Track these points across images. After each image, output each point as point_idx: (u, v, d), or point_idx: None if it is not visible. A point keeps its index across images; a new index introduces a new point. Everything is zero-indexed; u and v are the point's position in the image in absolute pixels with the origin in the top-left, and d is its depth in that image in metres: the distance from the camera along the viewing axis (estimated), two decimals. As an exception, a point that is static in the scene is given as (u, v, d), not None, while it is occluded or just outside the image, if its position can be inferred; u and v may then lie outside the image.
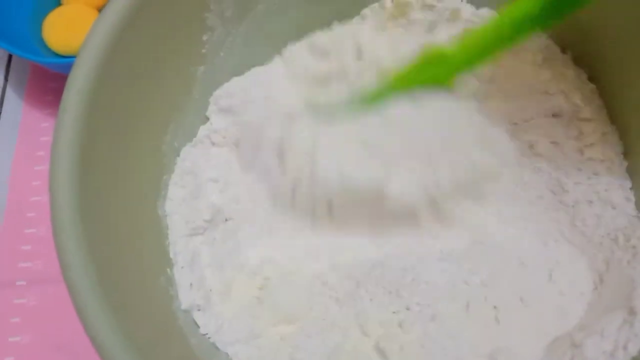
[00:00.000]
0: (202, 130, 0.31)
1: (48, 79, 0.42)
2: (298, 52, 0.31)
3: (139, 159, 0.28)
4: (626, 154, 0.29)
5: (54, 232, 0.23)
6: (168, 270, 0.28)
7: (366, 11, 0.33)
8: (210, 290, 0.28)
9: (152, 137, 0.29)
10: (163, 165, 0.30)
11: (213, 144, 0.31)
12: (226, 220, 0.29)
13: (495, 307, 0.27)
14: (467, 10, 0.32)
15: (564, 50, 0.31)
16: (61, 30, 0.39)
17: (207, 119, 0.32)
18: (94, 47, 0.25)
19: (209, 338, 0.27)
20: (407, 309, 0.27)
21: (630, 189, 0.28)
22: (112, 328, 0.21)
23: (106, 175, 0.26)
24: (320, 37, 0.31)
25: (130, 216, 0.27)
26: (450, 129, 0.28)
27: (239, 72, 0.32)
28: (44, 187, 0.38)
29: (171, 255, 0.28)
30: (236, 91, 0.32)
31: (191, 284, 0.27)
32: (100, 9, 0.39)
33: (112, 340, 0.21)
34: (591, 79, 0.30)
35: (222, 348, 0.27)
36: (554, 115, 0.30)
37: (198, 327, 0.27)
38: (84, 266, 0.22)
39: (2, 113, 0.41)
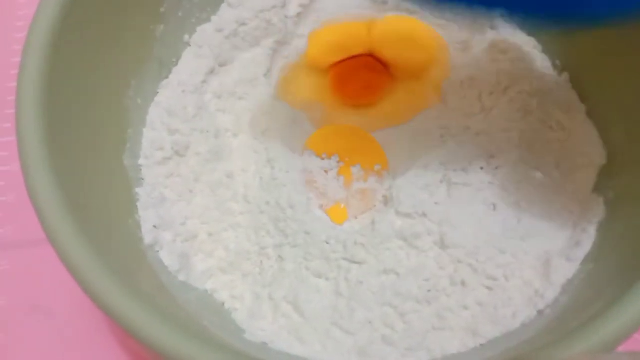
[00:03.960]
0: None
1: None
2: None
3: (103, 111, 0.29)
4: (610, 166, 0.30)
5: (25, 175, 0.24)
6: (136, 215, 0.29)
7: None
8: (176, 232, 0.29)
9: (114, 91, 0.30)
10: (127, 119, 0.31)
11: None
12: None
13: None
14: None
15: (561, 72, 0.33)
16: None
17: (168, 76, 0.33)
18: (53, 4, 0.26)
19: (177, 276, 0.28)
20: None
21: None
22: (88, 253, 0.22)
23: (71, 126, 0.27)
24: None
25: (98, 165, 0.28)
26: None
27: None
28: (11, 157, 0.39)
29: (137, 201, 0.29)
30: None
31: (154, 226, 0.29)
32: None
33: (89, 264, 0.21)
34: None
35: (194, 284, 0.28)
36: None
37: (166, 266, 0.28)
38: (56, 200, 0.23)
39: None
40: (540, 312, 0.27)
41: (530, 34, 0.34)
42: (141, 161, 0.31)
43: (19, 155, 0.24)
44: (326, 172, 0.32)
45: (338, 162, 0.32)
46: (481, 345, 0.26)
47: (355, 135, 0.34)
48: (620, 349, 0.29)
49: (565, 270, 0.27)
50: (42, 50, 0.25)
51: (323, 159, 0.32)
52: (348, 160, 0.32)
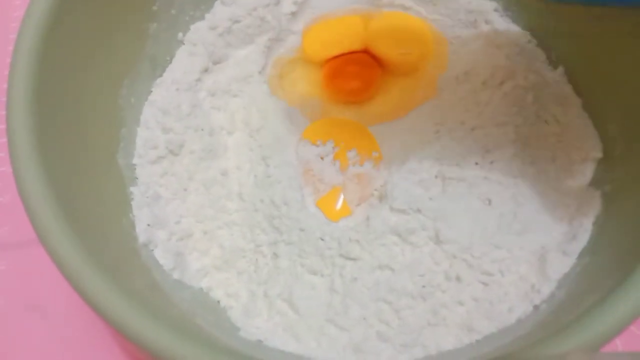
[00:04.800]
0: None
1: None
2: None
3: (96, 110, 0.29)
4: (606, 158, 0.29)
5: (15, 175, 0.24)
6: (130, 214, 0.29)
7: None
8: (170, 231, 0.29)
9: (107, 90, 0.30)
10: (121, 118, 0.31)
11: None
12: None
13: None
14: None
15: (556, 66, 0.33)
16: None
17: (162, 75, 0.33)
18: (42, 3, 0.26)
19: (172, 275, 0.28)
20: None
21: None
22: (78, 252, 0.21)
23: (64, 125, 0.26)
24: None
25: (92, 164, 0.28)
26: None
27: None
28: (6, 158, 0.39)
29: (131, 200, 0.29)
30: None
31: (148, 224, 0.29)
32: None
33: (80, 263, 0.21)
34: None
35: (188, 282, 0.28)
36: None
37: (160, 265, 0.28)
38: (47, 200, 0.22)
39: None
40: (536, 307, 0.26)
41: (525, 28, 0.34)
42: (135, 160, 0.31)
43: (9, 155, 0.24)
44: (322, 158, 0.32)
45: (333, 147, 0.32)
46: (477, 341, 0.26)
47: (350, 126, 0.33)
48: (622, 347, 0.29)
49: (562, 264, 0.27)
50: (32, 50, 0.25)
51: (318, 146, 0.32)
52: (344, 145, 0.32)
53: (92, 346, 0.33)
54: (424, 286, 0.27)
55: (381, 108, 0.35)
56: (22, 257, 0.35)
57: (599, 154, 0.29)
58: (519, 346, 0.23)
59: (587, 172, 0.30)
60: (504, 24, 0.35)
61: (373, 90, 0.35)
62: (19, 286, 0.35)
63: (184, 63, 0.34)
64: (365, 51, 0.36)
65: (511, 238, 0.28)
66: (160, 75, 0.33)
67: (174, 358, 0.20)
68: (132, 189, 0.30)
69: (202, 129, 0.32)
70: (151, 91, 0.33)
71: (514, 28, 0.34)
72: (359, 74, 0.35)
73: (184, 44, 0.34)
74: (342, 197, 0.31)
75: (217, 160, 0.32)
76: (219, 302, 0.29)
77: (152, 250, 0.28)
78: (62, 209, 0.22)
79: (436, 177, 0.30)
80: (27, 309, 0.34)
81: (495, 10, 0.35)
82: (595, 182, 0.29)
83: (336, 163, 0.32)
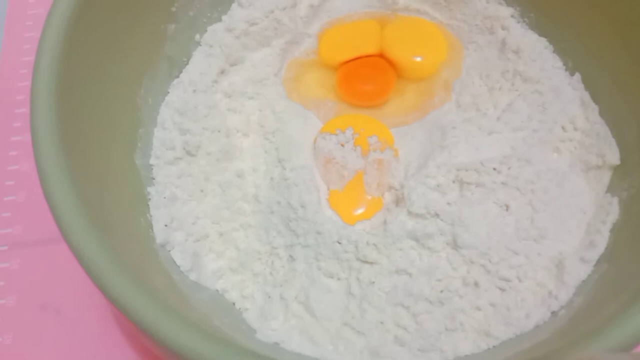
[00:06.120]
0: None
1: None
2: None
3: (115, 110, 0.29)
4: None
5: (40, 174, 0.23)
6: (147, 214, 0.29)
7: None
8: (187, 232, 0.29)
9: (126, 89, 0.30)
10: (138, 118, 0.31)
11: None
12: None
13: None
14: None
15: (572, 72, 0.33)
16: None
17: (178, 76, 0.33)
18: (65, 3, 0.26)
19: (188, 276, 0.28)
20: None
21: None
22: (102, 251, 0.21)
23: (84, 125, 0.26)
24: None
25: (111, 163, 0.28)
26: None
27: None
28: (20, 156, 0.39)
29: (149, 200, 0.29)
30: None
31: (166, 225, 0.29)
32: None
33: (103, 261, 0.21)
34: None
35: (204, 284, 0.28)
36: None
37: (178, 265, 0.28)
38: (71, 198, 0.22)
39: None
40: (554, 314, 0.26)
41: (542, 34, 0.34)
42: (152, 160, 0.31)
43: (34, 155, 0.24)
44: (342, 145, 0.32)
45: (353, 134, 0.32)
46: (494, 346, 0.26)
47: (368, 121, 0.34)
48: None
49: (579, 271, 0.27)
50: (55, 49, 0.25)
51: (337, 134, 0.32)
52: (364, 131, 0.32)
53: (106, 344, 0.33)
54: (441, 291, 0.27)
55: (396, 112, 0.35)
56: (36, 256, 0.35)
57: (616, 161, 0.29)
58: (539, 352, 0.23)
59: (604, 178, 0.29)
60: (520, 30, 0.35)
61: (388, 94, 0.35)
62: (33, 285, 0.35)
63: (200, 64, 0.34)
64: (381, 55, 0.36)
65: (529, 244, 0.28)
66: (177, 76, 0.33)
67: (195, 356, 0.20)
68: (149, 189, 0.30)
69: (219, 131, 0.32)
70: (168, 92, 0.33)
71: (531, 34, 0.34)
72: (373, 78, 0.35)
73: (200, 45, 0.34)
74: (362, 203, 0.31)
75: (233, 161, 0.32)
76: (234, 304, 0.29)
77: (170, 250, 0.28)
78: (85, 208, 0.22)
79: (454, 182, 0.30)
80: (41, 308, 0.34)
81: (512, 16, 0.35)
82: (612, 189, 0.29)
83: (357, 148, 0.32)
